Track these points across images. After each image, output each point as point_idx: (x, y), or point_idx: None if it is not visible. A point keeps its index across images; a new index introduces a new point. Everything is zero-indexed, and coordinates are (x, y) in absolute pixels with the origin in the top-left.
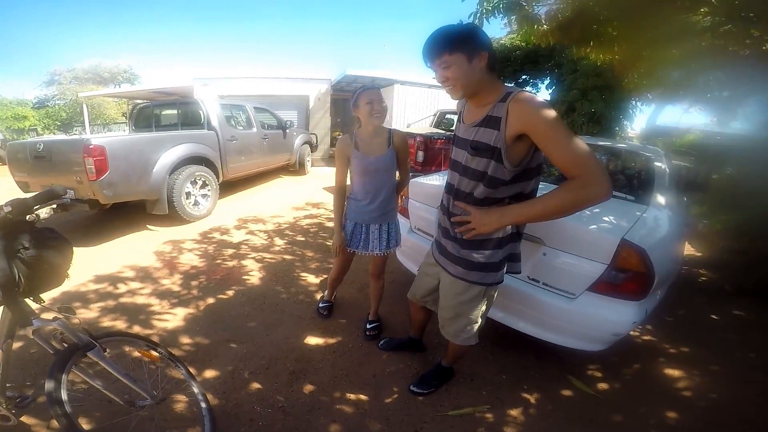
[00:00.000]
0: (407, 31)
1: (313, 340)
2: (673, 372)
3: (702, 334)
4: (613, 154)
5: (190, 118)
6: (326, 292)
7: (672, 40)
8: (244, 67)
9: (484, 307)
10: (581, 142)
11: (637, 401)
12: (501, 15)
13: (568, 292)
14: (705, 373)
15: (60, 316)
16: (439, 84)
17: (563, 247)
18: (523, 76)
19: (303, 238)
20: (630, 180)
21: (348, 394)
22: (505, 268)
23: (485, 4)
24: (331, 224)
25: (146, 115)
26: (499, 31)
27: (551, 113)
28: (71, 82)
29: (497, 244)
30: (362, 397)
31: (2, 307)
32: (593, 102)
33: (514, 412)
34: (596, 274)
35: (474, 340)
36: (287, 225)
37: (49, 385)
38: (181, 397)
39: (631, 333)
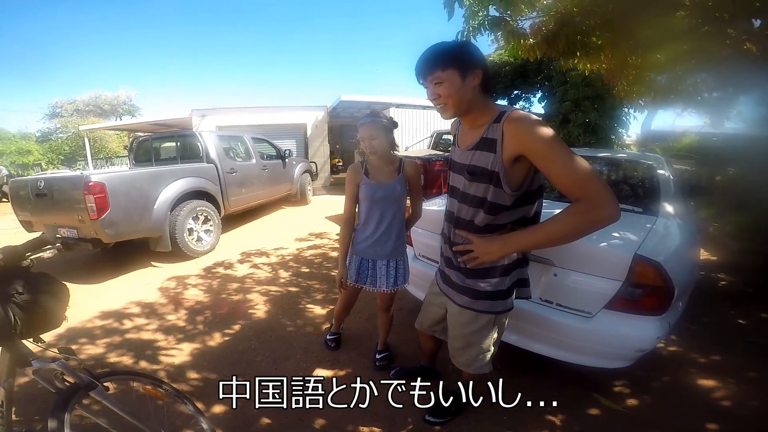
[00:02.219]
0: (398, 52)
1: (323, 373)
2: (707, 382)
3: (731, 340)
4: (614, 164)
5: (189, 151)
6: (333, 324)
7: (655, 45)
8: (241, 97)
9: (495, 335)
10: (582, 161)
11: (672, 415)
12: (487, 32)
13: (584, 312)
14: (742, 381)
15: (59, 356)
16: (431, 102)
17: (574, 266)
18: (515, 92)
19: (307, 270)
20: (635, 190)
21: (361, 427)
22: (515, 294)
23: (471, 21)
24: (335, 254)
25: (146, 148)
26: (487, 47)
27: (548, 131)
28: (72, 115)
29: (504, 272)
30: (376, 429)
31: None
32: (586, 112)
33: None
34: (612, 291)
35: (488, 368)
36: (291, 257)
37: (51, 424)
38: None
39: (658, 345)
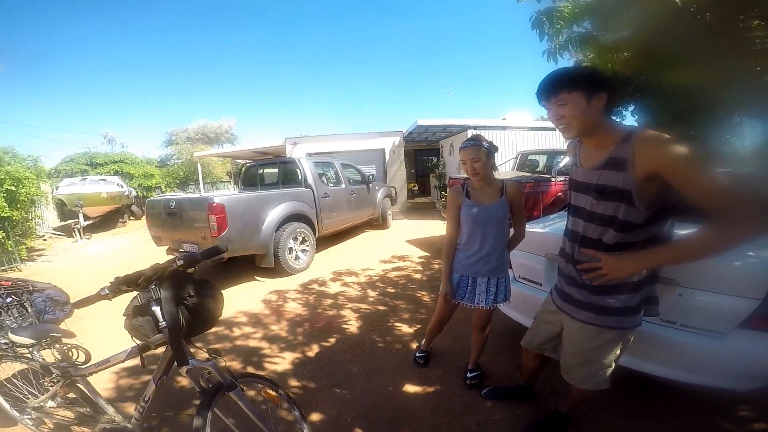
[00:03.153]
0: (467, 77)
1: (412, 388)
2: None
3: None
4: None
5: (289, 177)
6: (423, 342)
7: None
8: (324, 123)
9: (618, 351)
10: (722, 177)
11: None
12: (574, 49)
13: (713, 331)
14: None
15: (211, 357)
16: (553, 123)
17: (703, 286)
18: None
19: (393, 290)
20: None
21: None
22: (642, 312)
23: (556, 39)
24: (418, 276)
25: (252, 174)
26: (565, 63)
27: (682, 149)
28: (185, 142)
29: (633, 288)
30: None
31: (165, 347)
32: (691, 124)
33: None
34: (748, 310)
35: (606, 384)
36: (377, 277)
37: (197, 422)
38: None
39: None
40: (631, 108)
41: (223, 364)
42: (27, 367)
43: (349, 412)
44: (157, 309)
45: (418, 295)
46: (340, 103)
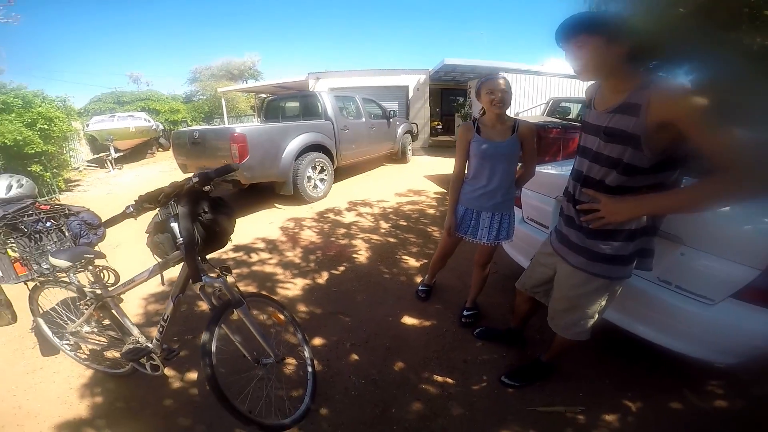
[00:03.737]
0: (503, 21)
1: (410, 321)
2: None
3: None
4: None
5: (309, 110)
6: (427, 276)
7: None
8: (350, 58)
9: (604, 303)
10: (735, 132)
11: (758, 425)
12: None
13: (705, 297)
14: None
15: (221, 275)
16: (570, 64)
17: (707, 247)
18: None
19: (405, 223)
20: None
21: (436, 376)
22: (635, 264)
23: None
24: (431, 211)
25: (274, 107)
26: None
27: (698, 100)
28: (209, 79)
29: (629, 236)
30: (449, 380)
31: (182, 264)
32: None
33: (609, 418)
34: (745, 279)
35: (586, 335)
36: (391, 210)
37: (205, 336)
38: (292, 360)
39: None
40: (683, 68)
41: (232, 281)
42: (66, 294)
43: (349, 339)
44: (175, 225)
45: (428, 230)
46: (366, 41)
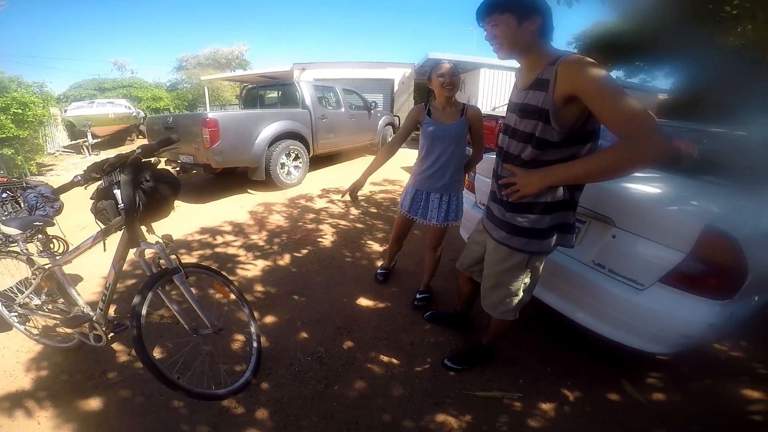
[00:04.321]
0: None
1: (364, 302)
2: (753, 393)
3: None
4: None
5: (288, 98)
6: (385, 260)
7: None
8: (336, 50)
9: (527, 280)
10: (634, 101)
11: (692, 418)
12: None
13: (636, 282)
14: None
15: (161, 241)
16: (488, 43)
17: (637, 229)
18: (636, 63)
19: (375, 210)
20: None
21: (382, 356)
22: (555, 239)
23: None
24: None
25: (253, 95)
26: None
27: (600, 72)
28: (195, 68)
29: (544, 209)
30: (394, 361)
31: (122, 231)
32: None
33: (546, 406)
34: (672, 263)
35: (512, 315)
36: (363, 197)
37: (136, 300)
38: (239, 336)
39: (717, 347)
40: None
41: (171, 249)
42: (16, 266)
43: (301, 317)
44: (118, 193)
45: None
46: (353, 35)
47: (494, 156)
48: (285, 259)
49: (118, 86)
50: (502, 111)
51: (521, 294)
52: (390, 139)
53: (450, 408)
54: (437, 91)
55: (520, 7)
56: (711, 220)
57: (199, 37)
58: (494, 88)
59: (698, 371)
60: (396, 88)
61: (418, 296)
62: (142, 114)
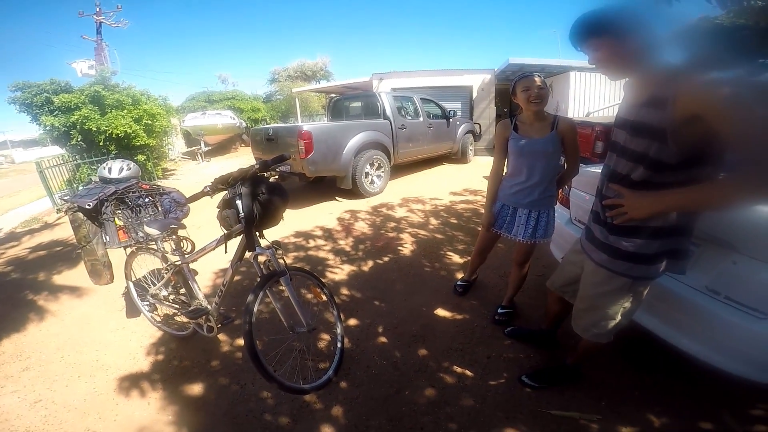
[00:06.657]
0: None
1: (441, 312)
2: None
3: None
4: None
5: (370, 109)
6: (467, 272)
7: None
8: (415, 59)
9: (627, 304)
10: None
11: None
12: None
13: (757, 311)
14: None
15: (272, 246)
16: (593, 66)
17: (762, 256)
18: (761, 59)
19: (456, 221)
20: None
21: (455, 367)
22: (664, 265)
23: None
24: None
25: (338, 106)
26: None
27: (731, 90)
28: (286, 80)
29: (653, 234)
30: (468, 372)
31: (241, 236)
32: None
33: (626, 430)
34: None
35: (606, 338)
36: (443, 207)
37: (250, 297)
38: (326, 336)
39: None
40: None
41: (280, 253)
42: (152, 261)
43: (381, 323)
44: (239, 203)
45: (479, 229)
46: (432, 42)
47: (592, 169)
48: (368, 265)
49: (223, 98)
50: (597, 117)
51: (618, 318)
52: (492, 168)
53: (520, 424)
54: (523, 106)
55: (617, 25)
56: None
57: (287, 52)
58: (586, 91)
59: None
60: (475, 94)
61: (499, 311)
62: (244, 124)
